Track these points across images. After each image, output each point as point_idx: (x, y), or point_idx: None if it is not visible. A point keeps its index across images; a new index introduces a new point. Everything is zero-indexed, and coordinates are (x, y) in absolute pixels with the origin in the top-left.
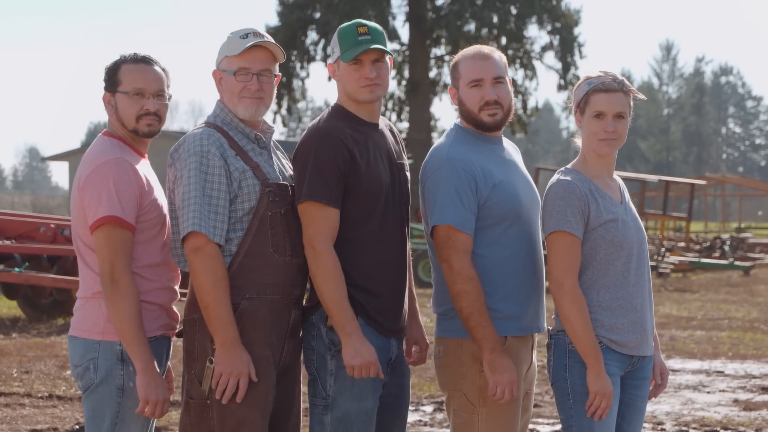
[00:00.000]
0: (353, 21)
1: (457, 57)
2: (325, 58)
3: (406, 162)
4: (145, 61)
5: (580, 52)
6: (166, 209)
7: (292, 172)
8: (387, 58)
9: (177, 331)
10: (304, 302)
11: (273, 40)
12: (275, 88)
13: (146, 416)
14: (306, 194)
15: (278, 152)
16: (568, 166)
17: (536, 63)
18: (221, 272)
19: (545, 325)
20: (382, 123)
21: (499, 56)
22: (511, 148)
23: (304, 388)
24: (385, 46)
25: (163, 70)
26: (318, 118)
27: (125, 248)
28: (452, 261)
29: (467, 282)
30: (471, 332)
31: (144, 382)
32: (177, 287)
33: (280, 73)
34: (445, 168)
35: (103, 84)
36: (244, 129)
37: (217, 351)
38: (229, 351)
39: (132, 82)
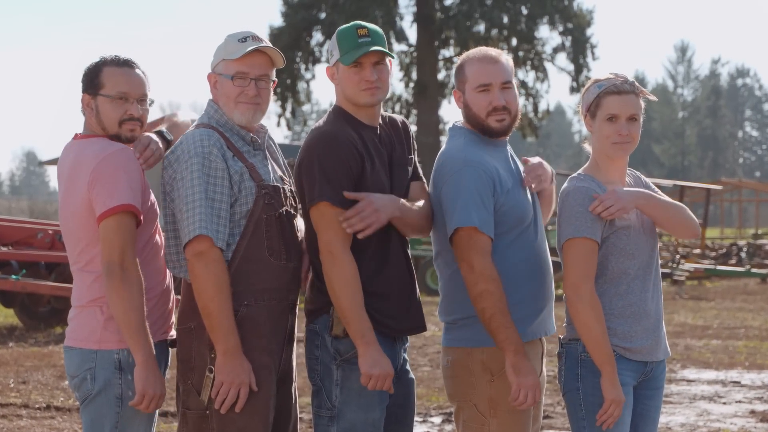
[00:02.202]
0: (352, 23)
1: (462, 59)
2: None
3: (415, 158)
4: (128, 65)
5: (593, 53)
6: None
7: (281, 174)
8: (387, 60)
9: (170, 340)
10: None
11: (271, 45)
12: (271, 94)
13: (141, 410)
14: (320, 196)
15: (271, 152)
16: (580, 171)
17: (547, 65)
18: (225, 278)
19: (554, 327)
20: (397, 119)
21: (507, 60)
22: (511, 153)
23: (303, 399)
24: (385, 47)
25: (144, 73)
26: (320, 121)
27: (134, 238)
28: (474, 262)
29: (490, 282)
30: (493, 334)
31: (143, 375)
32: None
33: (276, 79)
34: (466, 170)
35: (82, 85)
36: (240, 131)
37: (218, 359)
38: (231, 360)
39: (116, 85)
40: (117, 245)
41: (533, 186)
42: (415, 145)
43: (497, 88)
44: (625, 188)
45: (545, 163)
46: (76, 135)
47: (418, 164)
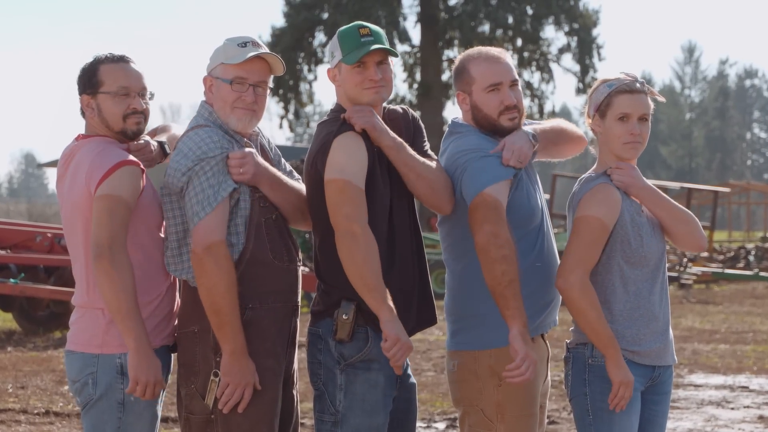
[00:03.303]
0: (353, 23)
1: (462, 60)
2: None
3: (423, 140)
4: (124, 60)
5: (599, 54)
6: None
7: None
8: (390, 60)
9: (171, 339)
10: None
11: (270, 51)
12: (267, 101)
13: (137, 396)
14: (341, 173)
15: (265, 154)
16: (590, 172)
17: (553, 65)
18: (234, 276)
19: (557, 319)
20: (397, 111)
21: (509, 57)
22: None
23: (305, 404)
24: (387, 47)
25: (140, 68)
26: (327, 118)
27: (125, 227)
28: (499, 230)
29: (513, 251)
30: (506, 300)
31: (135, 361)
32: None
33: (272, 87)
34: (487, 158)
35: (78, 87)
36: (234, 135)
37: (225, 360)
38: (238, 360)
39: (116, 81)
40: (107, 228)
41: (514, 163)
42: (422, 127)
43: (507, 87)
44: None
45: (518, 139)
46: (78, 136)
47: (425, 145)
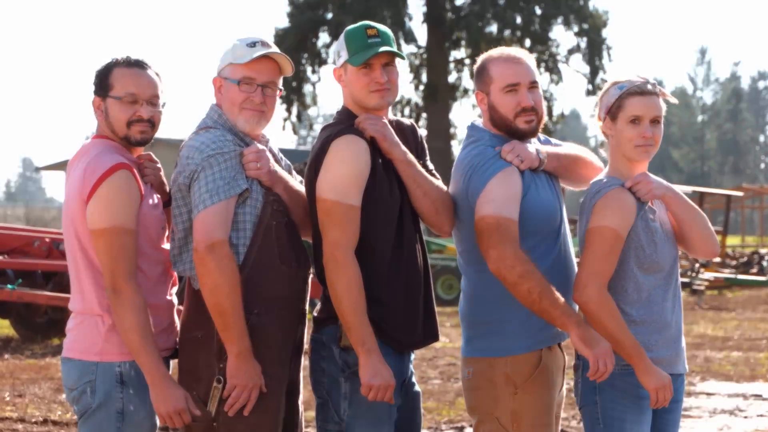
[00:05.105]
0: (361, 23)
1: (483, 59)
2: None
3: (429, 164)
4: (139, 65)
5: (609, 55)
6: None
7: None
8: (397, 61)
9: (171, 352)
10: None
11: (280, 51)
12: (276, 103)
13: (171, 427)
14: (329, 192)
15: (276, 161)
16: (602, 176)
17: (562, 67)
18: (238, 276)
19: None
20: (405, 123)
21: (531, 59)
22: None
23: (308, 413)
24: (395, 48)
25: (157, 74)
26: (332, 122)
27: (133, 253)
28: (507, 248)
29: (528, 263)
30: (546, 312)
31: (153, 395)
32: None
33: (282, 88)
34: (498, 164)
35: (93, 88)
36: (244, 138)
37: (231, 362)
38: (245, 362)
39: (125, 86)
40: (107, 268)
41: (517, 162)
42: (426, 147)
43: (525, 88)
44: (657, 178)
45: (522, 145)
46: (93, 136)
47: (429, 165)
